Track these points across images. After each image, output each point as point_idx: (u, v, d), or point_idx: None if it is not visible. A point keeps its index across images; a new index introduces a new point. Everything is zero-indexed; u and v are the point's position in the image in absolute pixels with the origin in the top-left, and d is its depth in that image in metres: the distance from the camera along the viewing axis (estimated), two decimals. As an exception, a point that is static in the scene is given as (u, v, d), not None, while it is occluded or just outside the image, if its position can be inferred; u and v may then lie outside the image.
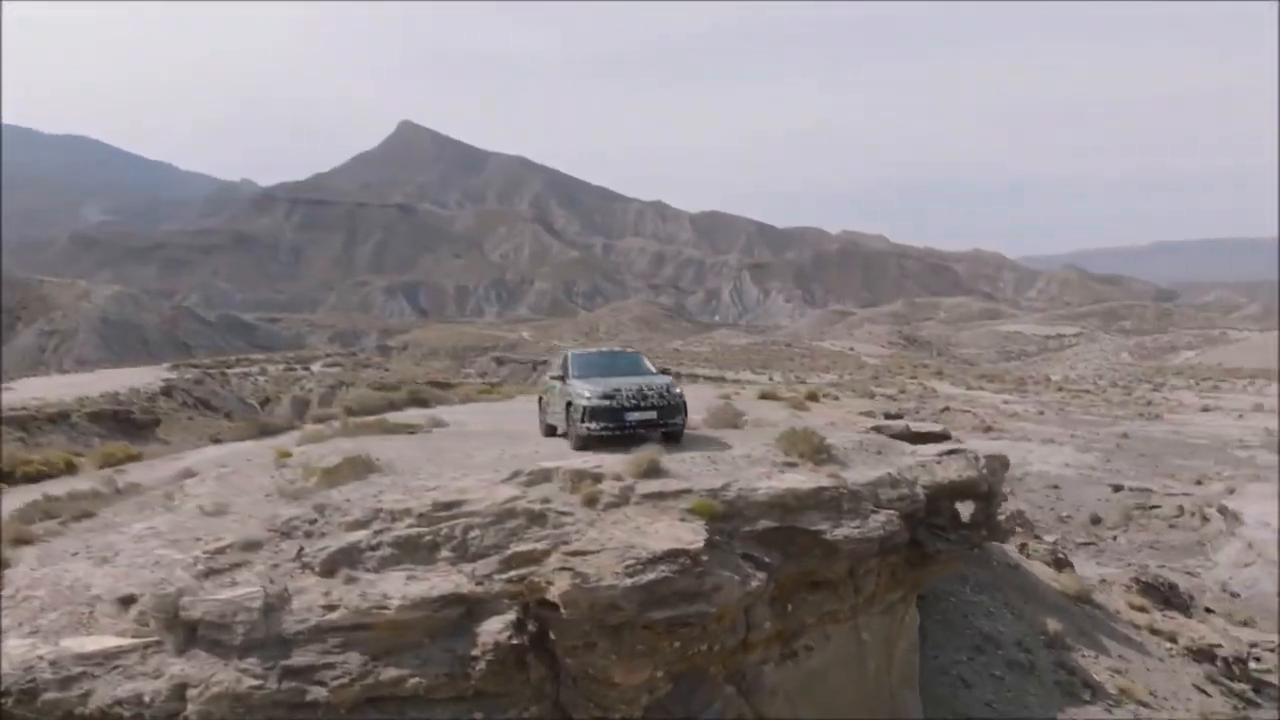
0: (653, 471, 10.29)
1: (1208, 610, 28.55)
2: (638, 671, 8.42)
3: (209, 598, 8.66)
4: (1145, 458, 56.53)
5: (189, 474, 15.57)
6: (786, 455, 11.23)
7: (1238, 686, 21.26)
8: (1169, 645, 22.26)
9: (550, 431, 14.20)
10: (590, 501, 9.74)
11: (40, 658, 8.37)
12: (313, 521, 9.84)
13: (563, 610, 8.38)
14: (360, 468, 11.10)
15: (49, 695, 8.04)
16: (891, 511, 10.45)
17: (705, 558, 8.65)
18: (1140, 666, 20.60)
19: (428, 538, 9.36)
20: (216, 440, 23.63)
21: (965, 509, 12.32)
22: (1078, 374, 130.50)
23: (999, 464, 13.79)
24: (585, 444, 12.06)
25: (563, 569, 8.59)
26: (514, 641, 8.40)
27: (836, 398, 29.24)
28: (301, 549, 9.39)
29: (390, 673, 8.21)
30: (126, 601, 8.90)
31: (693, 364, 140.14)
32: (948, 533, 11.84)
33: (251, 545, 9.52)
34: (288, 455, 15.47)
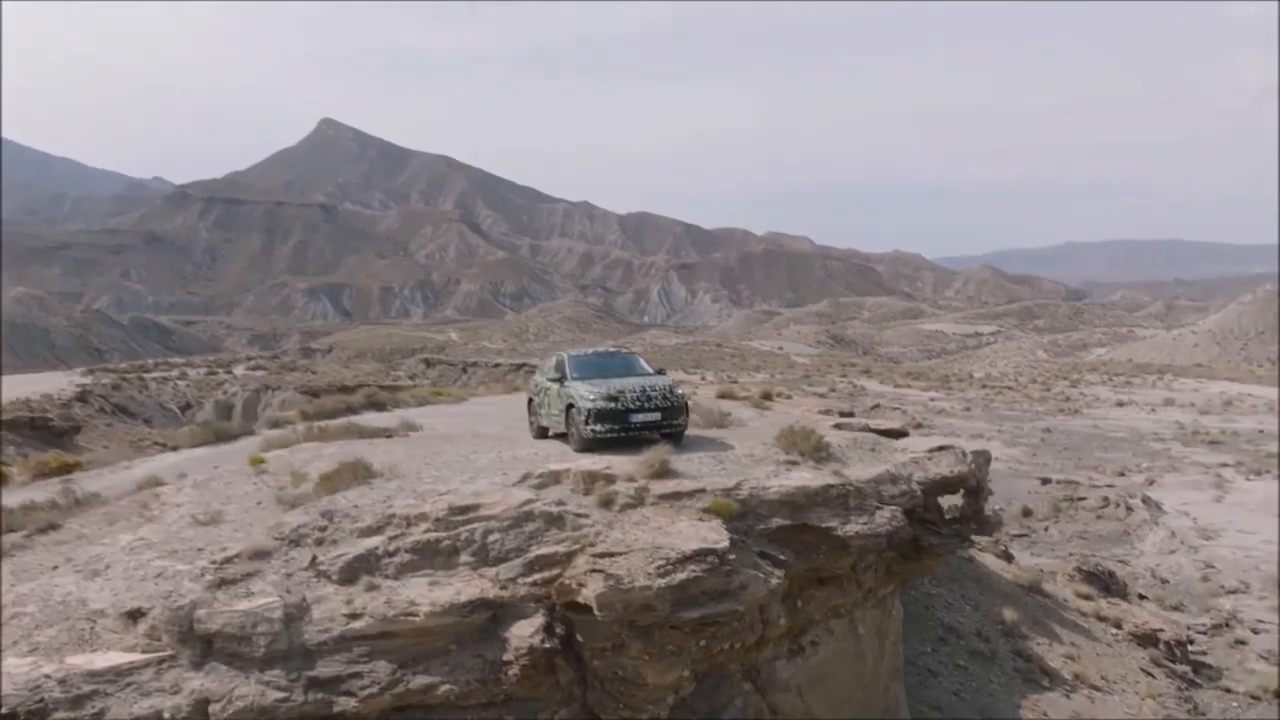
0: (664, 472, 10.34)
1: (1140, 597, 29.78)
2: (669, 671, 8.46)
3: (226, 609, 8.40)
4: (1069, 451, 58.59)
5: (155, 483, 15.05)
6: (787, 454, 11.40)
7: (1179, 669, 22.28)
8: (1114, 631, 23.20)
9: (542, 434, 14.12)
10: (606, 503, 9.74)
11: (47, 676, 8.01)
12: (322, 529, 9.62)
13: (597, 612, 8.37)
14: (361, 473, 10.89)
15: (60, 715, 7.70)
16: (895, 507, 10.71)
17: (732, 556, 8.75)
18: (1091, 652, 21.43)
19: (446, 542, 9.24)
20: (171, 447, 22.84)
21: (951, 503, 12.65)
22: (999, 371, 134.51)
23: (983, 459, 14.22)
24: (589, 446, 12.03)
25: (594, 571, 8.57)
26: (546, 645, 8.36)
27: (789, 396, 29.63)
28: (315, 557, 9.17)
29: (420, 680, 8.09)
30: (134, 616, 8.58)
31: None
32: (939, 527, 12.18)
33: (260, 554, 9.26)
34: (262, 461, 15.10)
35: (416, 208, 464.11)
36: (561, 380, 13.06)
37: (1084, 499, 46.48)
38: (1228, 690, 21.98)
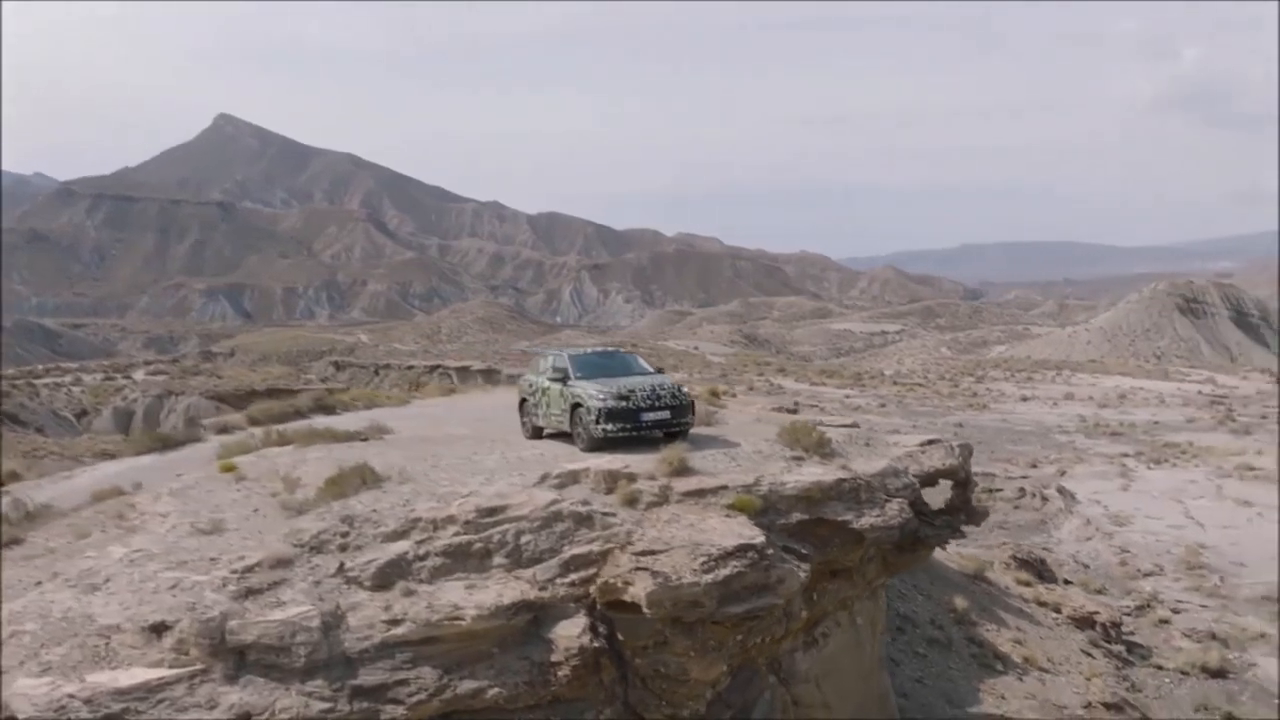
0: (684, 470, 10.42)
1: (1066, 582, 31.17)
2: (713, 667, 8.55)
3: (261, 619, 8.12)
4: (981, 445, 60.74)
5: (117, 492, 14.42)
6: (792, 449, 11.62)
7: (1115, 649, 23.46)
8: (1054, 615, 24.29)
9: (537, 434, 14.00)
10: (631, 502, 9.77)
11: (71, 696, 7.61)
12: (344, 534, 9.37)
13: (646, 610, 8.38)
14: (370, 477, 10.64)
15: (91, 737, 7.33)
16: (901, 499, 11.04)
17: (770, 551, 8.89)
18: (1035, 636, 22.38)
19: (478, 545, 9.11)
20: (109, 455, 21.84)
21: (938, 495, 13.10)
22: (907, 369, 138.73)
23: (967, 451, 14.73)
24: (599, 446, 12.00)
25: (638, 569, 8.59)
26: (595, 645, 8.34)
27: (734, 395, 30.04)
28: (342, 564, 8.93)
29: (468, 685, 7.98)
30: (158, 629, 8.21)
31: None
32: (932, 518, 12.58)
33: (282, 562, 8.97)
34: (234, 468, 14.59)
35: (320, 206, 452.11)
36: (564, 380, 12.99)
37: (1000, 490, 48.32)
38: (1159, 667, 23.25)
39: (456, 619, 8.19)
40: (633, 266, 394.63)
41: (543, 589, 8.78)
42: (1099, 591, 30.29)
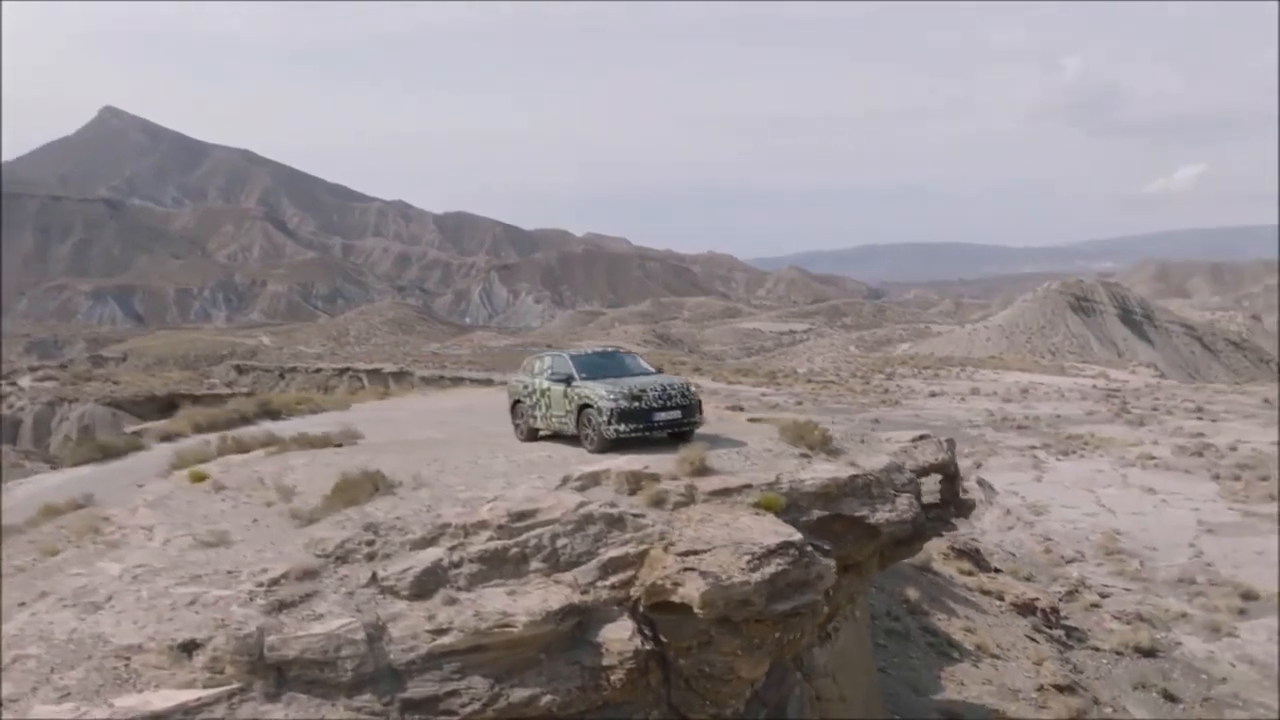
0: (704, 469, 10.42)
1: (996, 570, 32.37)
2: (760, 665, 8.58)
3: (302, 634, 7.77)
4: (899, 440, 62.49)
5: (74, 506, 13.67)
6: (796, 447, 11.75)
7: (1055, 633, 24.51)
8: (998, 603, 25.20)
9: (532, 435, 13.80)
10: (657, 502, 9.71)
11: (102, 723, 7.16)
12: (370, 543, 9.05)
13: (698, 610, 8.34)
14: (382, 484, 10.31)
15: (129, 764, 6.91)
16: (909, 494, 11.29)
17: (809, 548, 8.97)
18: (984, 623, 23.19)
19: (514, 550, 8.92)
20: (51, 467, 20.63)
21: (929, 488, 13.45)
22: (819, 367, 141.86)
23: (952, 446, 15.13)
24: (610, 447, 11.89)
25: (686, 570, 8.54)
26: (647, 647, 8.27)
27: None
28: (375, 573, 8.63)
29: (520, 693, 7.81)
30: (188, 648, 7.78)
31: (456, 367, 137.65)
32: (925, 511, 12.88)
33: (309, 573, 8.62)
34: (204, 477, 13.97)
35: (215, 205, 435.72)
36: (568, 381, 12.82)
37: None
38: (1096, 649, 24.37)
39: (507, 626, 8.02)
40: (542, 267, 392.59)
41: (584, 592, 8.67)
42: (1028, 579, 31.54)
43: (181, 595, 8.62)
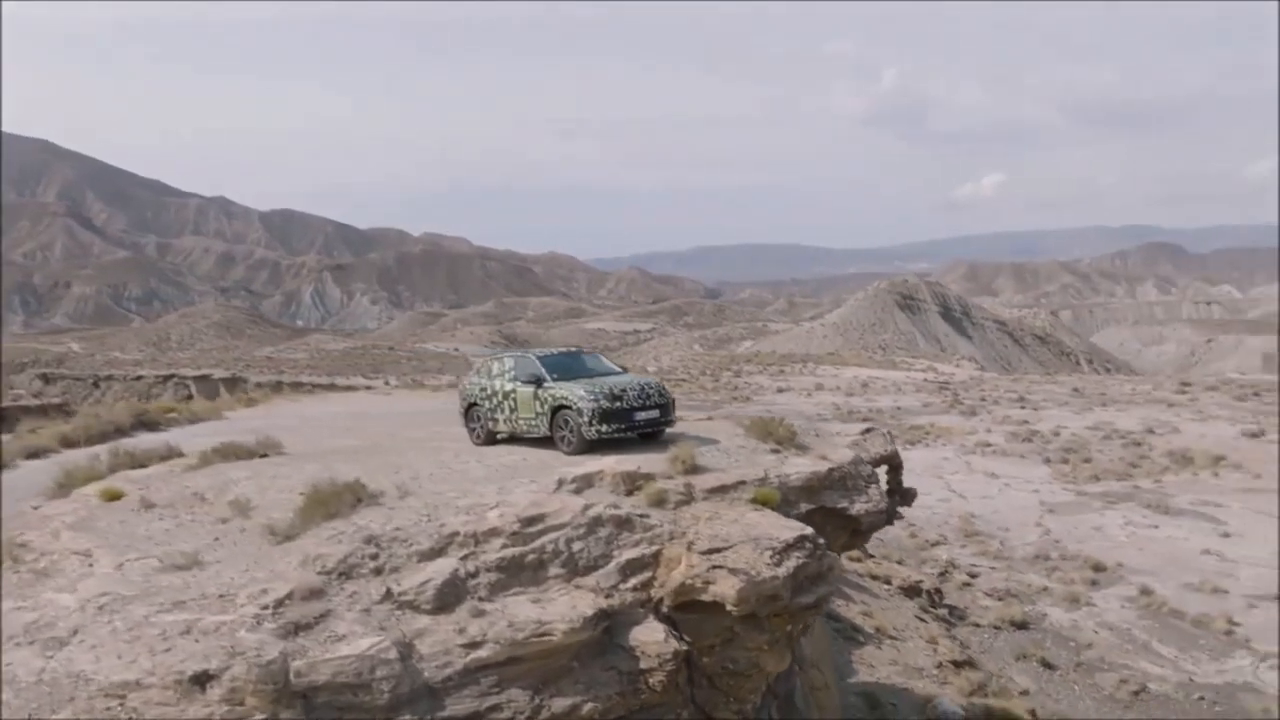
0: (695, 467, 10.42)
1: (869, 555, 33.96)
2: (784, 659, 8.65)
3: (331, 656, 7.23)
4: (757, 435, 64.46)
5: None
6: (765, 443, 11.94)
7: (940, 613, 25.99)
8: (886, 586, 26.47)
9: (490, 439, 13.35)
10: (658, 502, 9.64)
11: (116, 770, 6.44)
12: (374, 556, 8.53)
13: (732, 607, 8.32)
14: (364, 494, 9.73)
15: (156, 812, 6.25)
16: (876, 485, 11.69)
17: (822, 540, 9.14)
18: (878, 607, 24.29)
19: (531, 556, 8.62)
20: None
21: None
22: (667, 365, 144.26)
23: (892, 438, 15.70)
24: (589, 448, 11.66)
25: (715, 568, 8.51)
26: (683, 649, 8.19)
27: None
28: (390, 589, 8.14)
29: (561, 703, 7.57)
30: (200, 680, 7.10)
31: (294, 371, 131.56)
32: (875, 502, 13.37)
33: (315, 592, 8.03)
34: (120, 495, 12.81)
35: (8, 200, 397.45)
36: (539, 383, 12.49)
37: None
38: (977, 625, 26.03)
39: (545, 635, 7.76)
40: (378, 267, 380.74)
41: (608, 596, 8.51)
42: (899, 562, 33.30)
43: (171, 624, 7.87)
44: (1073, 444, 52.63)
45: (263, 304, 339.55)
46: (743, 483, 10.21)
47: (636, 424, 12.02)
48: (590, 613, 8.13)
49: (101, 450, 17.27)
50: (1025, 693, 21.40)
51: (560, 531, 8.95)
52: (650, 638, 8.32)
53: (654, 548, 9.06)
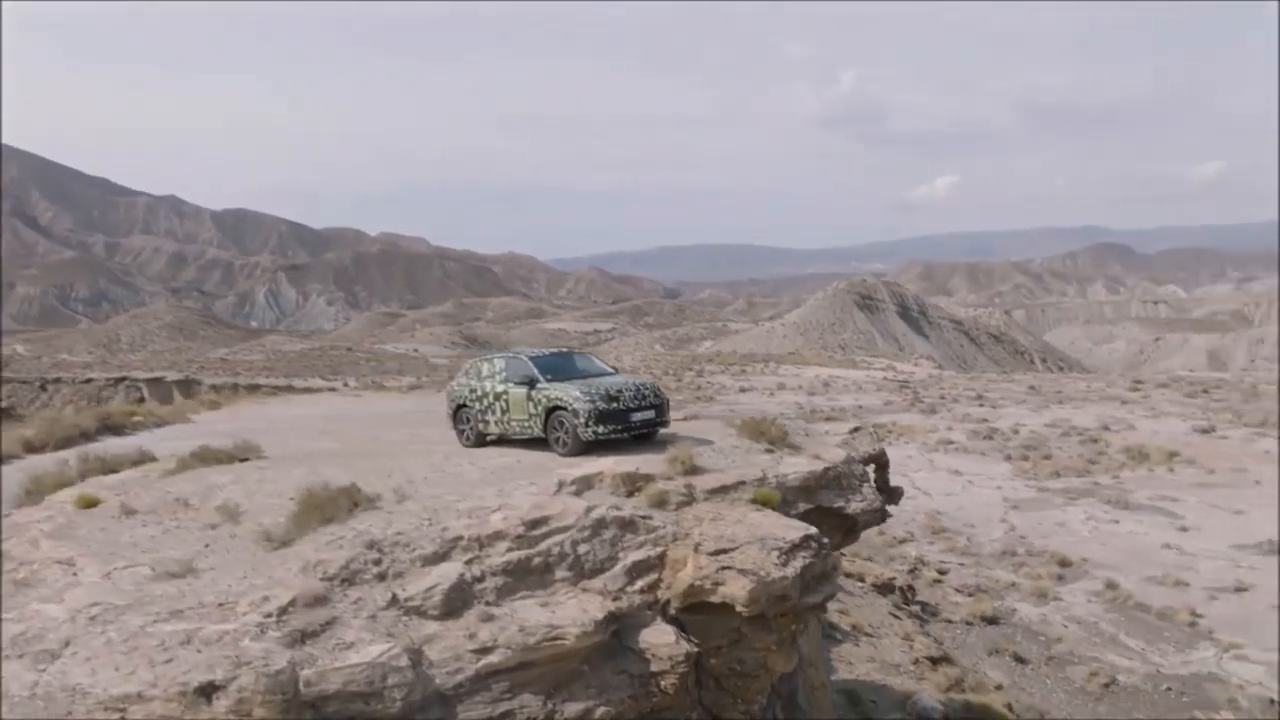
0: (694, 468, 10.38)
1: (842, 553, 34.14)
2: (791, 658, 8.64)
3: (343, 665, 7.07)
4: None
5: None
6: (757, 442, 11.94)
7: (913, 609, 26.25)
8: (860, 584, 26.67)
9: (480, 441, 13.18)
10: (660, 503, 9.58)
11: (122, 786, 6.23)
12: (376, 562, 8.36)
13: (743, 608, 8.28)
14: (360, 499, 9.53)
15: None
16: (869, 484, 11.74)
17: (826, 540, 9.15)
18: (853, 604, 24.46)
19: (537, 560, 8.51)
20: None
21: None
22: (629, 365, 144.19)
23: (878, 437, 15.78)
24: (584, 449, 11.55)
25: (724, 569, 8.47)
26: (695, 650, 8.13)
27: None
28: (395, 594, 7.98)
29: (574, 707, 7.48)
30: (205, 691, 6.89)
31: (250, 373, 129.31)
32: (864, 501, 13.44)
33: (319, 599, 7.85)
34: (96, 502, 12.46)
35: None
36: (531, 384, 12.35)
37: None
38: (949, 621, 26.34)
39: (558, 639, 7.67)
40: (334, 267, 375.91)
41: (615, 599, 8.43)
42: (870, 560, 33.59)
43: (170, 634, 7.64)
44: (1032, 441, 53.43)
45: (216, 305, 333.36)
46: (742, 483, 10.20)
47: (633, 425, 11.96)
48: (601, 616, 8.05)
49: (69, 456, 16.85)
50: (999, 687, 21.69)
51: (565, 534, 8.86)
52: (661, 640, 8.27)
53: (658, 549, 9.01)
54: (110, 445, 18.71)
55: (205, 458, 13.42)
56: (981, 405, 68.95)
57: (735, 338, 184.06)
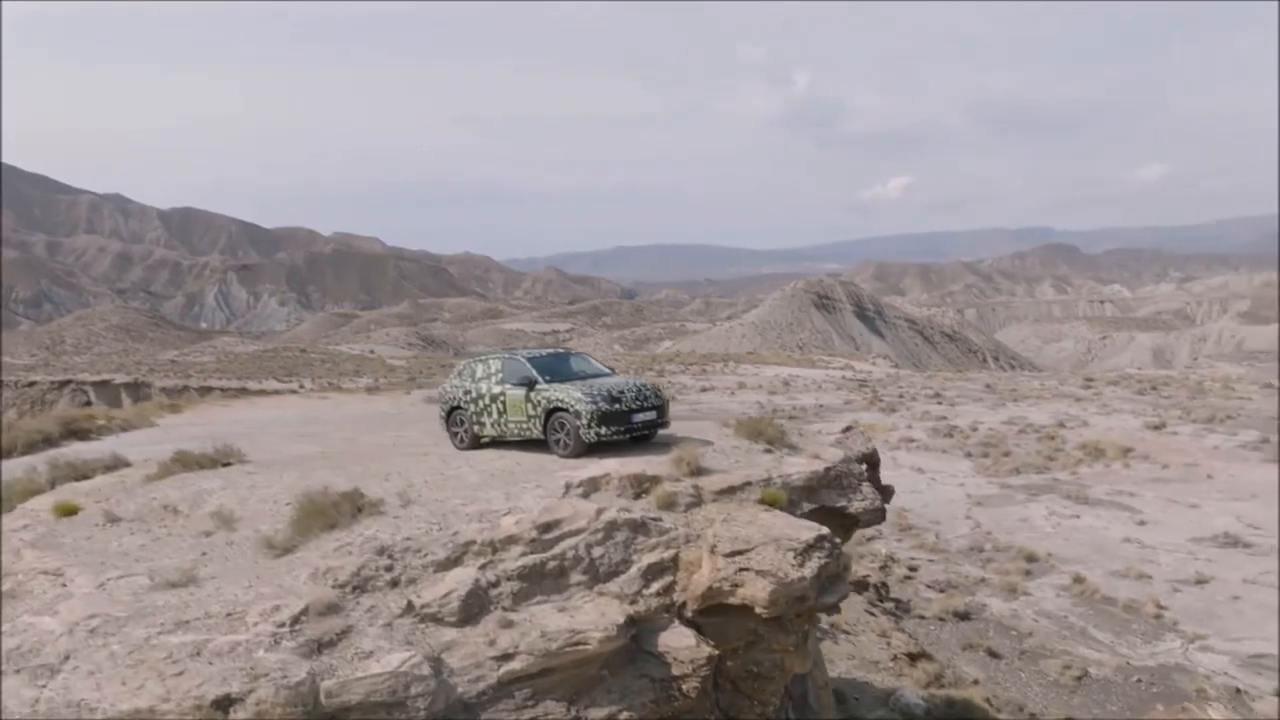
0: (701, 469, 10.31)
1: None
2: (808, 659, 8.60)
3: (365, 675, 6.87)
4: (686, 434, 64.77)
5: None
6: (756, 442, 11.92)
7: (887, 606, 26.48)
8: (835, 582, 26.85)
9: (474, 443, 12.97)
10: (668, 505, 9.50)
11: (142, 805, 5.99)
12: (388, 568, 8.16)
13: (762, 609, 8.22)
14: (364, 504, 9.32)
15: None
16: (868, 484, 11.77)
17: (838, 540, 9.13)
18: (830, 602, 24.63)
19: (552, 564, 8.37)
20: None
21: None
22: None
23: (868, 436, 15.83)
24: (585, 451, 11.42)
25: (742, 570, 8.40)
26: (716, 653, 8.05)
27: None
28: (410, 601, 7.80)
29: (597, 713, 7.37)
30: (222, 704, 6.67)
31: (202, 376, 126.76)
32: (857, 499, 13.48)
33: (331, 608, 7.64)
34: (75, 509, 12.06)
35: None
36: (530, 385, 12.17)
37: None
38: (922, 617, 26.61)
39: (580, 644, 7.55)
40: (286, 267, 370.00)
41: (632, 602, 8.33)
42: (839, 558, 33.80)
43: (178, 646, 7.39)
44: (991, 438, 54.24)
45: (164, 306, 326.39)
46: (749, 483, 10.17)
47: (634, 426, 11.87)
48: (621, 620, 7.95)
49: (36, 461, 16.35)
50: (976, 682, 21.95)
51: (578, 537, 8.74)
52: (681, 643, 8.19)
53: (671, 551, 8.93)
54: (78, 450, 18.22)
55: (186, 462, 13.05)
56: (940, 403, 69.85)
57: (694, 337, 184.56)
